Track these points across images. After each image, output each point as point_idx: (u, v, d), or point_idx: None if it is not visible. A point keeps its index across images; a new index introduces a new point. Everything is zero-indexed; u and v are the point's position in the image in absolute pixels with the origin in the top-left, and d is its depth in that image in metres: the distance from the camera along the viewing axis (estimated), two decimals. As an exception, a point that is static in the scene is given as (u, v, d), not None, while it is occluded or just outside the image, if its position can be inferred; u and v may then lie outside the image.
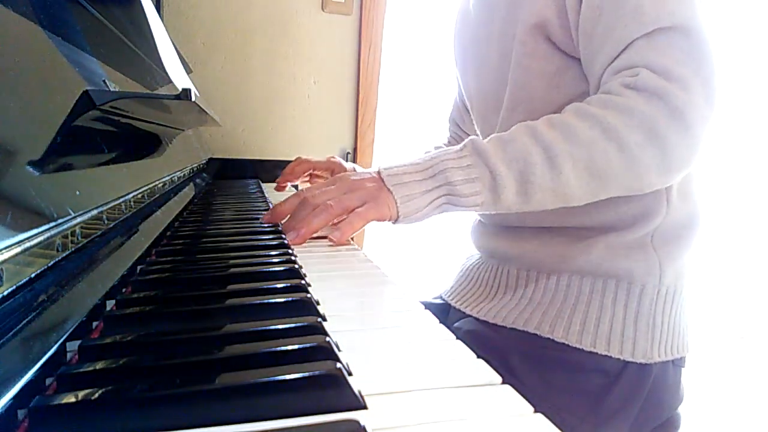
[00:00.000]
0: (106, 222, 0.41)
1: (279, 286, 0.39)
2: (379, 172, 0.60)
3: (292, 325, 0.31)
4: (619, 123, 0.57)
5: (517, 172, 0.58)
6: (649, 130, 0.56)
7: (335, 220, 0.60)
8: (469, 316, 0.77)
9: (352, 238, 0.62)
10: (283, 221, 0.66)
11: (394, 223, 0.60)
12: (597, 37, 0.62)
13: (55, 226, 0.30)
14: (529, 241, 0.73)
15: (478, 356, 0.31)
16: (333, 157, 1.01)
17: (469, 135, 1.03)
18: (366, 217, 0.57)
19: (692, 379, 0.73)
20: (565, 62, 0.68)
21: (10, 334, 0.24)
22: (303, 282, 0.41)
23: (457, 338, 0.34)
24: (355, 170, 0.99)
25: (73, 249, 0.33)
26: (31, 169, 0.31)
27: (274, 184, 1.05)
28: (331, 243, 0.61)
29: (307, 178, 1.03)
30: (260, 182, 1.36)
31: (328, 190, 0.60)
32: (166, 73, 0.70)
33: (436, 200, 0.59)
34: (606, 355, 0.65)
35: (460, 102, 1.00)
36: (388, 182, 0.59)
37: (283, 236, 0.59)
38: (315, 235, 0.60)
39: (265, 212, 0.76)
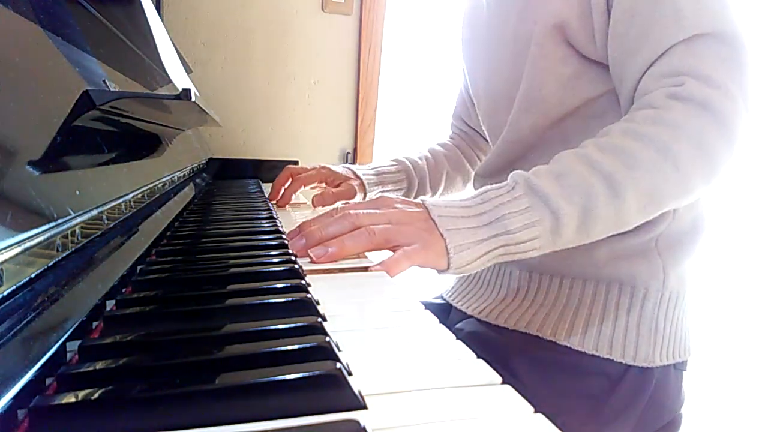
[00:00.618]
0: (106, 222, 0.41)
1: (279, 286, 0.39)
2: (428, 210, 0.54)
3: (292, 325, 0.31)
4: (672, 140, 0.54)
5: (581, 207, 0.53)
6: (699, 144, 0.55)
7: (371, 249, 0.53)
8: (471, 316, 0.77)
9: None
10: (313, 246, 0.54)
11: (440, 273, 0.54)
12: (631, 39, 0.60)
13: (55, 226, 0.30)
14: None
15: (480, 357, 0.31)
16: (323, 167, 0.98)
17: (475, 130, 1.03)
18: (414, 260, 0.50)
19: (692, 379, 0.73)
20: (582, 65, 0.67)
21: (10, 334, 0.24)
22: (303, 282, 0.41)
23: (458, 339, 0.34)
24: (352, 171, 0.98)
25: (73, 249, 0.33)
26: (31, 169, 0.31)
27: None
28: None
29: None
30: (260, 182, 1.36)
31: (373, 215, 0.53)
32: (166, 73, 0.71)
33: (492, 251, 0.53)
34: (608, 359, 0.65)
35: (466, 97, 0.99)
36: (440, 225, 0.52)
37: (284, 237, 0.58)
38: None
39: (265, 212, 0.76)
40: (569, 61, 0.67)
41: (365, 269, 0.50)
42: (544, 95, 0.69)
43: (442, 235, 0.51)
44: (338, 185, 0.96)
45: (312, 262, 0.50)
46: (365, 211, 0.53)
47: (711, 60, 0.56)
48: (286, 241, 0.56)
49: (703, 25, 0.56)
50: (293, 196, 0.97)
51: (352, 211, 0.53)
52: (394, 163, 1.00)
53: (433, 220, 0.52)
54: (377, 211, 0.54)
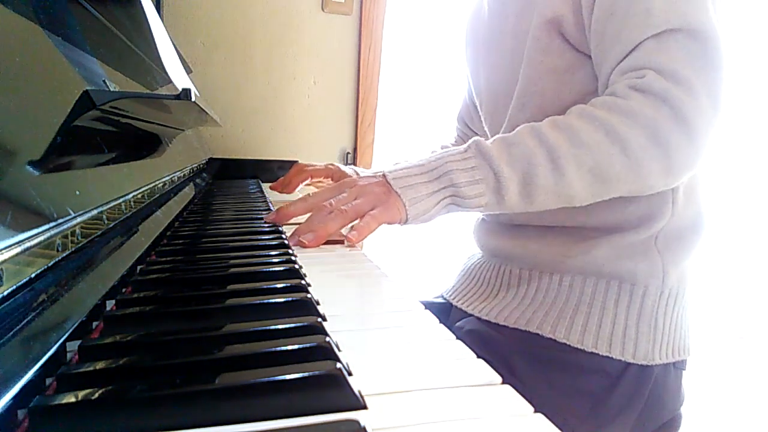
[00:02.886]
0: (106, 222, 0.41)
1: (279, 286, 0.39)
2: (384, 176, 0.61)
3: (292, 325, 0.31)
4: (623, 126, 0.57)
5: (521, 173, 0.58)
6: (653, 134, 0.56)
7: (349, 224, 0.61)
8: (471, 315, 0.77)
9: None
10: (283, 223, 0.67)
11: (403, 224, 0.61)
12: (607, 37, 0.62)
13: (55, 226, 0.30)
14: (532, 240, 0.73)
15: (480, 356, 0.31)
16: (331, 164, 1.01)
17: (477, 134, 1.03)
18: (379, 219, 0.59)
19: (692, 378, 0.73)
20: (578, 59, 0.68)
21: (10, 334, 0.24)
22: (303, 282, 0.41)
23: (458, 338, 0.34)
24: (357, 174, 0.98)
25: (73, 249, 0.33)
26: (31, 169, 0.31)
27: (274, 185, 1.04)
28: (349, 244, 0.62)
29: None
30: (260, 182, 1.36)
31: (341, 198, 0.61)
32: (166, 73, 0.70)
33: (441, 201, 0.60)
34: (607, 357, 0.65)
35: (469, 100, 1.00)
36: (394, 185, 0.60)
37: (284, 236, 0.59)
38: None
39: (265, 212, 0.76)
40: (565, 55, 0.68)
41: (341, 242, 0.62)
42: (540, 89, 0.70)
43: (397, 193, 0.60)
44: None
45: (304, 246, 0.59)
46: (334, 197, 0.62)
47: (677, 55, 0.57)
48: (286, 241, 0.57)
49: (672, 21, 0.57)
50: (298, 189, 1.00)
51: (320, 200, 0.62)
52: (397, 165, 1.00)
53: (389, 183, 0.61)
54: (343, 195, 0.62)
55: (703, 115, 0.56)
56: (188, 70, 1.31)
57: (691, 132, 0.56)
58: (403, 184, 0.60)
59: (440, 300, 0.88)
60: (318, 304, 0.38)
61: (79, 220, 0.34)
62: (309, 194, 0.66)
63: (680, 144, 0.57)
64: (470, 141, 0.62)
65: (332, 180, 1.00)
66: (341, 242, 0.62)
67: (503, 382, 0.28)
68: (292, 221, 0.67)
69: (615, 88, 0.60)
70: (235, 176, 1.48)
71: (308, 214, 0.63)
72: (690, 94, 0.56)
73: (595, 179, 0.58)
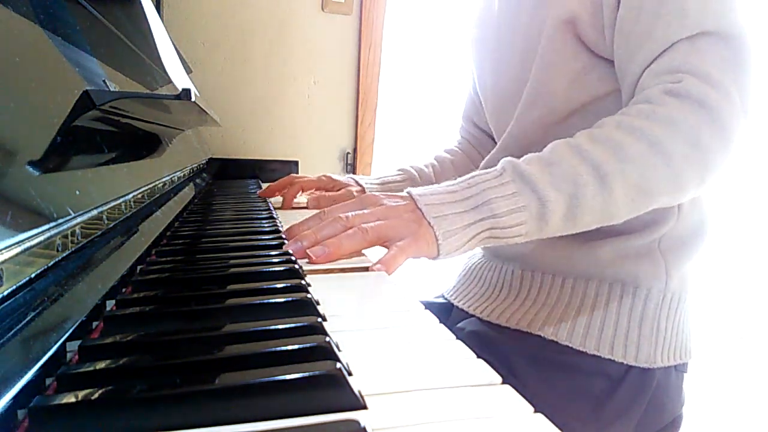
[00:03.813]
0: (106, 222, 0.41)
1: (279, 286, 0.39)
2: (413, 199, 0.55)
3: (292, 325, 0.31)
4: (665, 135, 0.54)
5: (567, 195, 0.54)
6: (694, 142, 0.55)
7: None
8: (472, 315, 0.77)
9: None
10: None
11: (432, 259, 0.55)
12: (635, 36, 0.60)
13: (55, 226, 0.30)
14: (534, 241, 0.73)
15: (481, 357, 0.31)
16: (324, 175, 0.97)
17: (484, 131, 1.02)
18: (407, 253, 0.52)
19: (692, 379, 0.73)
20: (592, 61, 0.67)
21: (10, 334, 0.24)
22: (303, 282, 0.41)
23: (459, 338, 0.34)
24: (357, 183, 0.96)
25: (73, 249, 0.33)
26: (31, 169, 0.31)
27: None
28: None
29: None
30: (260, 182, 1.36)
31: (362, 215, 0.54)
32: (166, 73, 0.71)
33: (478, 235, 0.54)
34: (609, 359, 0.65)
35: (475, 98, 0.99)
36: (427, 214, 0.53)
37: (284, 236, 0.58)
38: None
39: (265, 212, 0.76)
40: (579, 56, 0.67)
41: (366, 269, 0.51)
42: (551, 90, 0.69)
43: (429, 224, 0.52)
44: (338, 191, 0.95)
45: (311, 261, 0.51)
46: (354, 212, 0.54)
47: (712, 59, 0.56)
48: (286, 241, 0.56)
49: (707, 24, 0.56)
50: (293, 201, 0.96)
51: (341, 214, 0.54)
52: (400, 172, 0.97)
53: (420, 210, 0.53)
54: (365, 210, 0.55)
55: (737, 119, 0.55)
56: (188, 70, 1.31)
57: (727, 136, 0.55)
58: (437, 213, 0.53)
59: (441, 300, 0.88)
60: (318, 304, 0.38)
61: (79, 220, 0.34)
62: (323, 211, 0.58)
63: (718, 149, 0.55)
64: (503, 162, 0.57)
65: (326, 191, 0.96)
66: (364, 269, 0.51)
67: (504, 383, 0.28)
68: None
69: (649, 94, 0.57)
70: (235, 176, 1.48)
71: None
72: (726, 98, 0.55)
73: (638, 194, 0.55)
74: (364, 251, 0.56)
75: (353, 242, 0.52)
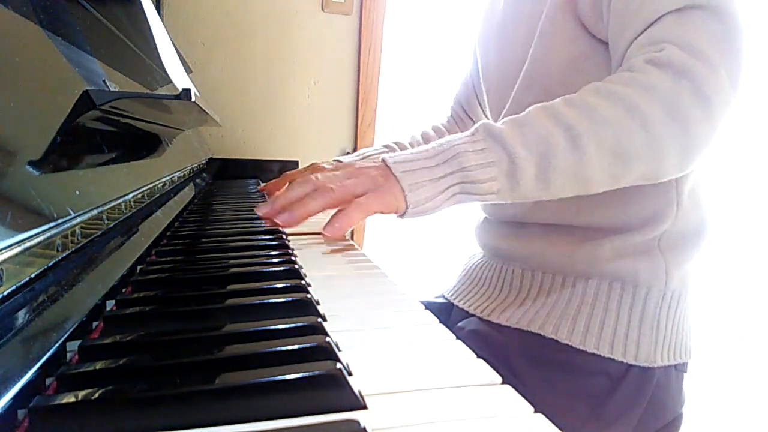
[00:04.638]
0: (106, 222, 0.41)
1: (279, 286, 0.39)
2: (384, 160, 0.55)
3: (292, 325, 0.31)
4: (643, 100, 0.53)
5: (538, 154, 0.53)
6: (673, 108, 0.53)
7: (334, 208, 0.55)
8: (473, 315, 0.77)
9: (351, 235, 0.59)
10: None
11: (401, 216, 0.54)
12: (627, 13, 0.59)
13: (55, 226, 0.30)
14: (534, 240, 0.73)
15: (481, 356, 0.31)
16: (315, 162, 0.98)
17: (471, 118, 1.02)
18: (368, 208, 0.52)
19: (692, 378, 0.73)
20: (591, 46, 0.66)
21: (10, 334, 0.24)
22: (303, 282, 0.41)
23: (459, 338, 0.34)
24: (338, 161, 0.96)
25: (73, 249, 0.33)
26: (31, 169, 0.31)
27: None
28: (324, 237, 0.55)
29: None
30: (260, 182, 1.36)
31: (331, 176, 0.55)
32: (166, 73, 0.71)
33: (448, 189, 0.54)
34: (609, 358, 0.65)
35: (470, 83, 0.99)
36: (394, 169, 0.53)
37: (284, 236, 0.59)
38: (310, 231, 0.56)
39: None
40: (578, 41, 0.66)
41: (318, 234, 0.53)
42: (548, 70, 0.69)
43: (396, 178, 0.53)
44: None
45: (281, 226, 0.53)
46: (323, 173, 0.55)
47: (698, 31, 0.55)
48: (286, 241, 0.57)
49: None
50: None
51: (311, 175, 0.55)
52: (383, 147, 0.97)
53: (389, 167, 0.54)
54: (336, 172, 0.55)
55: (722, 92, 0.54)
56: (188, 70, 1.31)
57: (709, 108, 0.53)
58: (404, 168, 0.53)
59: (441, 299, 0.88)
60: (318, 304, 0.38)
61: (79, 220, 0.34)
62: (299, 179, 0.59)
63: (699, 120, 0.54)
64: (477, 124, 0.57)
65: None
66: (350, 247, 0.53)
67: (504, 383, 0.28)
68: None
69: (632, 63, 0.57)
70: (235, 176, 1.48)
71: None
72: (710, 69, 0.53)
73: (614, 158, 0.54)
74: (366, 253, 0.57)
75: (319, 201, 0.53)
